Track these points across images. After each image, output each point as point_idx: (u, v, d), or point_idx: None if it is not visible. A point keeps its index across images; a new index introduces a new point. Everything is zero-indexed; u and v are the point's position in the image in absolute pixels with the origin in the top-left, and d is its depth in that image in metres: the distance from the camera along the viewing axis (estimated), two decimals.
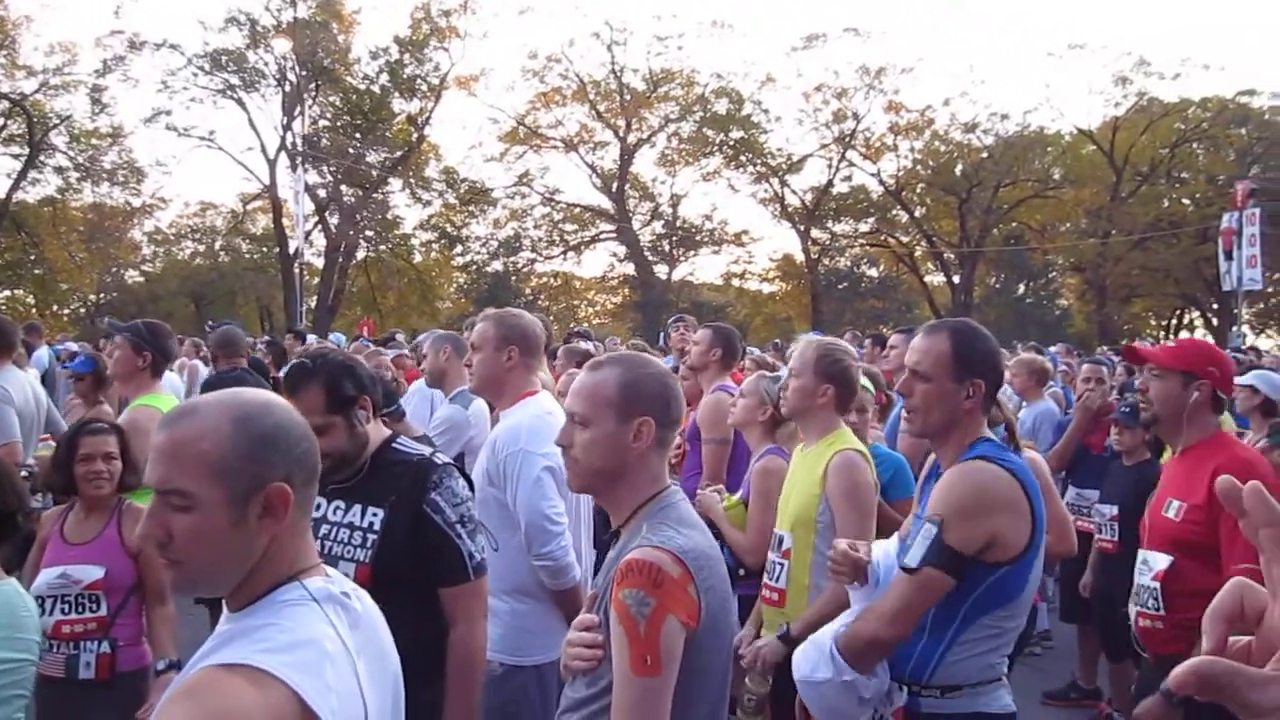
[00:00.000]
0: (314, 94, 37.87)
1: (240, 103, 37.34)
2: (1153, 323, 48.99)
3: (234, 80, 37.15)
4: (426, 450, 3.21)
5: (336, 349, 6.20)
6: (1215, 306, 42.18)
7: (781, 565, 3.81)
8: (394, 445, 3.15)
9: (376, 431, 3.14)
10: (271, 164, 37.44)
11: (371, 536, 2.99)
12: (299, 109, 36.34)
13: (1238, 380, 7.26)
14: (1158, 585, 3.62)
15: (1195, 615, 2.75)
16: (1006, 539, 2.71)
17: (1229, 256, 28.02)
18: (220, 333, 7.82)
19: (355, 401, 3.04)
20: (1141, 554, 3.83)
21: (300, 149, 35.85)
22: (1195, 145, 42.43)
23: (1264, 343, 37.21)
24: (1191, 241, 39.19)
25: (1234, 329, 29.92)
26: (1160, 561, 3.65)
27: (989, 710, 2.80)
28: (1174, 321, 48.69)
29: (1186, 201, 42.18)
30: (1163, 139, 41.29)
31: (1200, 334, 45.33)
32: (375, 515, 3.02)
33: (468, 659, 3.03)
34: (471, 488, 3.33)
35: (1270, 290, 41.94)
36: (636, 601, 2.09)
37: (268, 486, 1.63)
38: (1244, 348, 18.94)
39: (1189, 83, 53.62)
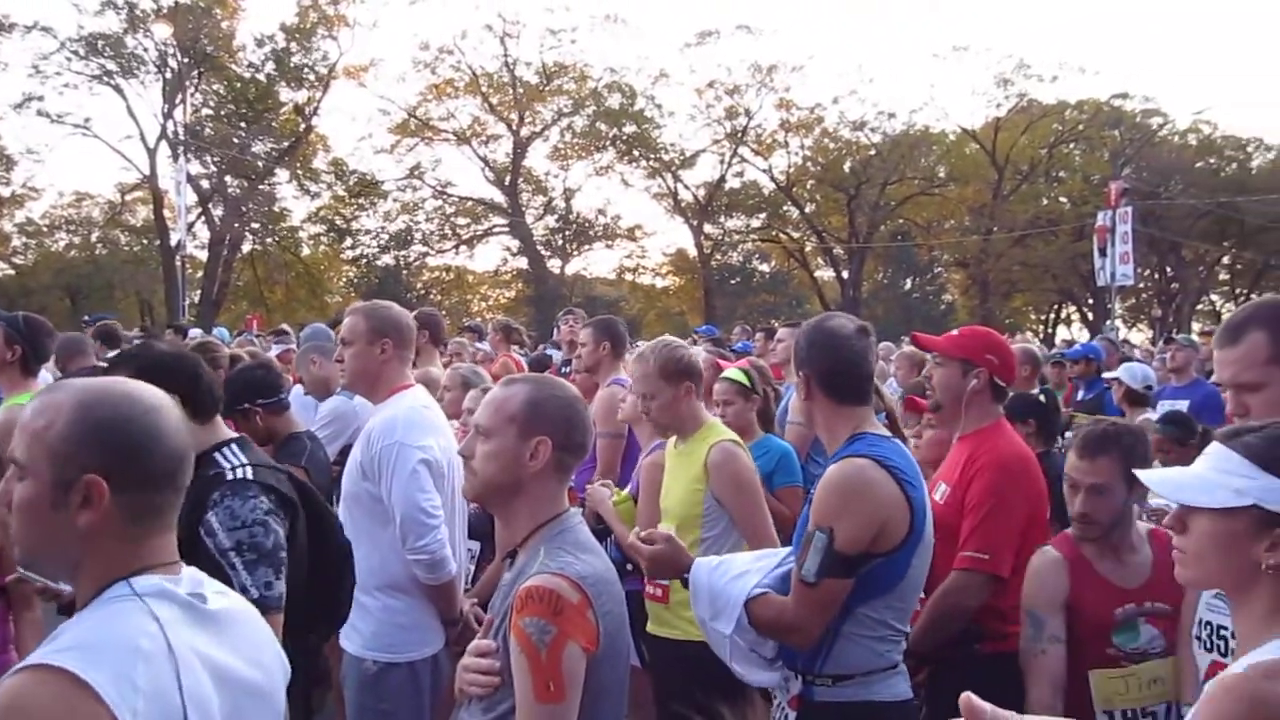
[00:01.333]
0: (196, 81, 36.79)
1: (118, 89, 36.02)
2: (1032, 317, 50.66)
3: (111, 66, 35.80)
4: (239, 462, 2.85)
5: (167, 341, 5.92)
6: (1090, 301, 43.81)
7: None
8: (215, 454, 2.85)
9: (208, 435, 2.88)
10: (151, 153, 36.25)
11: None
12: (180, 97, 35.27)
13: (1107, 375, 7.59)
14: None
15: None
16: (888, 531, 2.76)
17: (1103, 253, 29.05)
18: (63, 340, 7.35)
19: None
20: None
21: (182, 138, 34.73)
22: (1072, 146, 44.06)
23: (1135, 336, 38.70)
24: (1068, 239, 40.60)
25: (1107, 322, 31.09)
26: None
27: (880, 698, 2.84)
28: (1052, 315, 50.43)
29: (1064, 200, 43.69)
30: (1041, 139, 42.74)
31: (1076, 328, 47.02)
32: None
33: None
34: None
35: (1141, 286, 43.69)
36: (538, 630, 2.12)
37: (85, 476, 1.59)
38: (1118, 341, 19.66)
39: (1066, 85, 55.59)
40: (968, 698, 0.79)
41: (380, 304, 4.02)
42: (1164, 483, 1.92)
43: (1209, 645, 2.67)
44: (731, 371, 5.19)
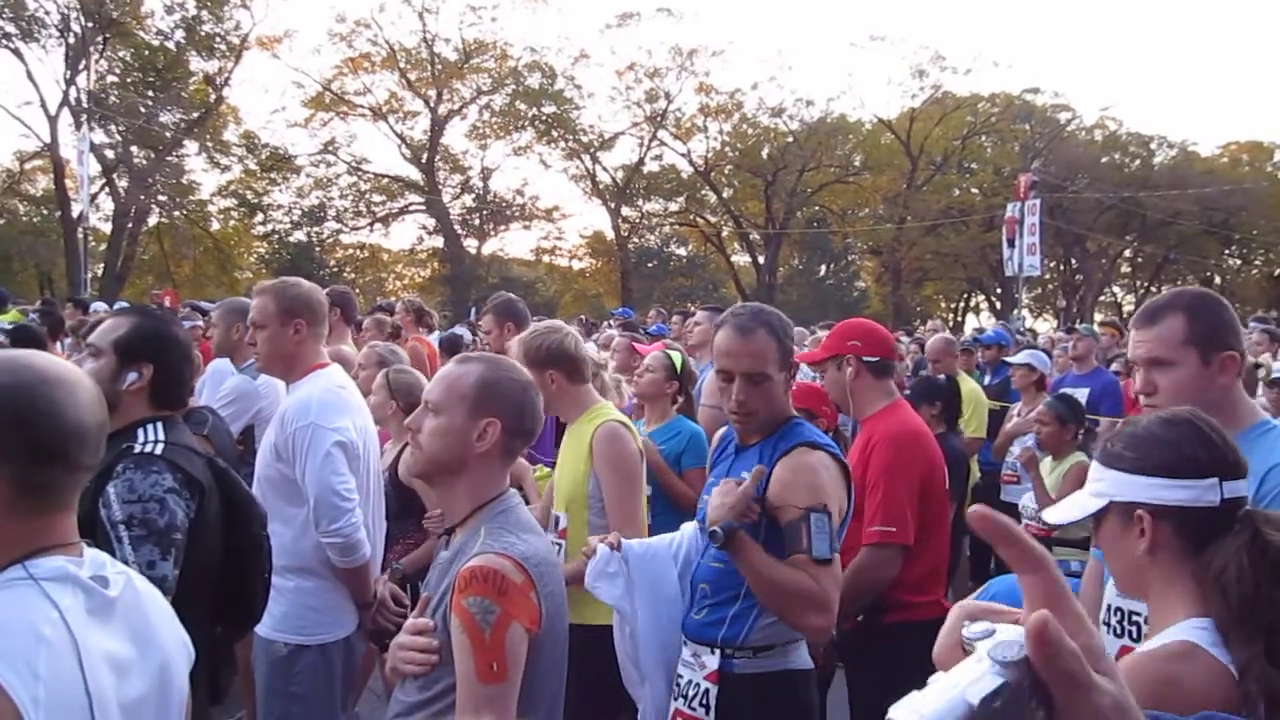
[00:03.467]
0: (101, 47, 35.54)
1: (17, 53, 34.57)
2: (942, 305, 51.66)
3: (9, 28, 34.44)
4: (153, 438, 2.79)
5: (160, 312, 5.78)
6: (999, 291, 44.88)
7: (559, 545, 3.77)
8: (139, 428, 2.80)
9: (140, 412, 2.85)
10: (53, 120, 34.90)
11: None
12: (84, 63, 34.02)
13: (1013, 360, 7.80)
14: None
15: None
16: (840, 508, 2.89)
17: (1011, 244, 29.75)
18: None
19: (137, 360, 2.84)
20: None
21: (85, 105, 33.58)
22: (984, 138, 44.96)
23: (1041, 325, 39.66)
24: (979, 229, 41.47)
25: (1014, 311, 31.85)
26: None
27: (794, 666, 2.94)
28: (962, 304, 51.48)
29: (975, 191, 44.61)
30: (955, 131, 43.55)
31: (985, 316, 48.09)
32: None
33: None
34: (245, 458, 3.02)
35: (1047, 277, 44.84)
36: (481, 609, 2.10)
37: None
38: (1023, 329, 20.15)
39: (980, 78, 56.84)
40: (1045, 618, 0.77)
41: (289, 282, 3.91)
42: (1049, 509, 2.05)
43: (1119, 631, 2.73)
44: (671, 352, 5.28)
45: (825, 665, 3.64)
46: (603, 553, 3.07)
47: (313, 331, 3.80)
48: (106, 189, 36.42)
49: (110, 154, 36.16)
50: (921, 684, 0.78)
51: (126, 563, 2.45)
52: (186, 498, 2.74)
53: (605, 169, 43.66)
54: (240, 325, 5.77)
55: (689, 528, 3.25)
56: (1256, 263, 49.75)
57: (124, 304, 17.23)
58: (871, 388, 3.88)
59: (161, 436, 2.81)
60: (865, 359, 3.87)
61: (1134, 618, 2.65)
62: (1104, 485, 1.88)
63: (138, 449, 2.73)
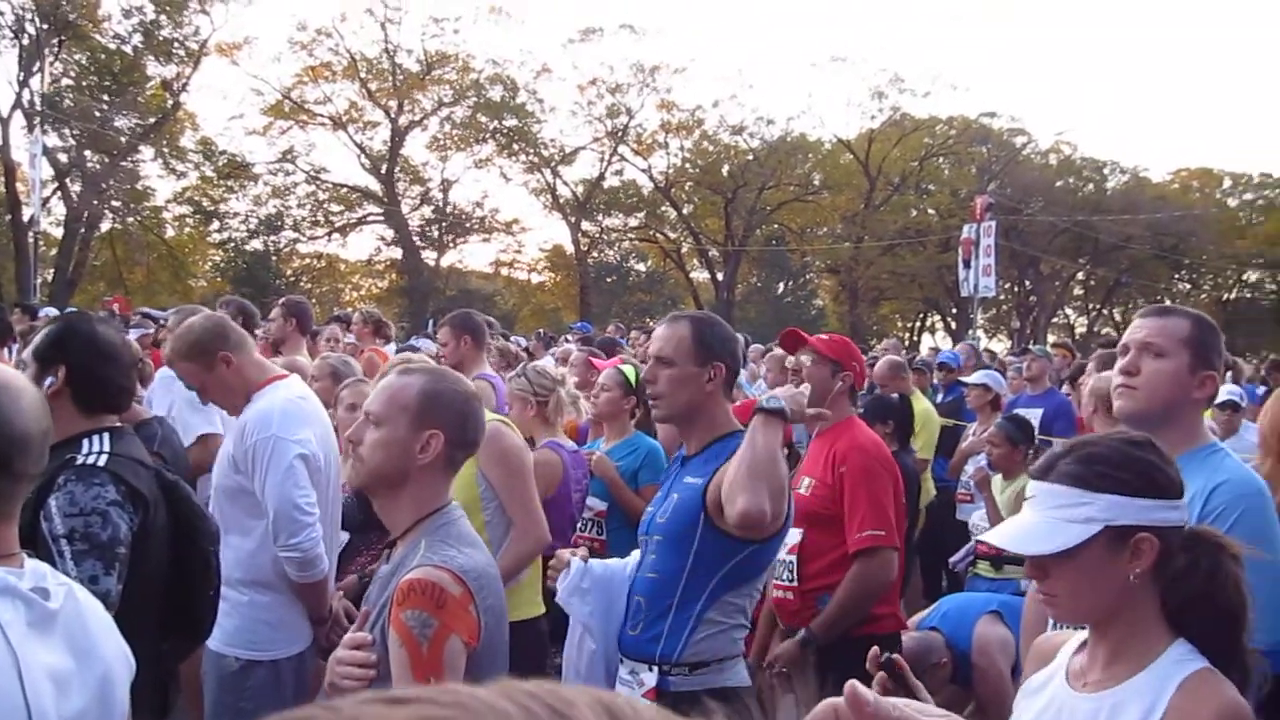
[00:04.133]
0: (56, 50, 35.03)
1: None
2: (899, 324, 52.06)
3: None
4: (98, 449, 2.73)
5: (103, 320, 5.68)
6: (955, 311, 45.28)
7: None
8: (82, 439, 2.75)
9: (89, 423, 2.80)
10: (4, 123, 34.29)
11: None
12: (38, 65, 33.53)
13: (969, 380, 7.89)
14: (793, 559, 3.84)
15: (821, 585, 2.98)
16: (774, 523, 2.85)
17: (967, 265, 30.02)
18: None
19: (53, 363, 2.77)
20: None
21: (39, 108, 33.11)
22: (941, 160, 45.46)
23: (996, 346, 40.10)
24: (935, 250, 41.84)
25: (970, 332, 32.15)
26: (794, 536, 3.85)
27: (731, 684, 2.93)
28: (918, 323, 51.93)
29: (932, 212, 44.98)
30: (913, 152, 43.97)
31: (940, 336, 48.51)
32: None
33: None
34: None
35: (1002, 298, 45.37)
36: (419, 623, 2.09)
37: None
38: (981, 350, 20.30)
39: (938, 101, 57.35)
40: (852, 686, 0.80)
41: (189, 323, 3.75)
42: (1013, 540, 1.90)
43: None
44: (625, 367, 5.30)
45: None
46: (577, 567, 3.05)
47: (241, 356, 3.68)
48: (59, 193, 35.86)
49: (63, 158, 35.61)
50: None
51: (69, 577, 2.43)
52: (130, 511, 2.67)
53: (566, 183, 43.64)
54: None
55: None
56: (1205, 287, 50.61)
57: (49, 309, 16.99)
58: (844, 404, 4.04)
59: (106, 448, 2.74)
60: (853, 384, 4.08)
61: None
62: (1094, 509, 1.79)
63: (80, 460, 2.66)
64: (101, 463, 2.69)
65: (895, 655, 1.65)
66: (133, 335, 8.89)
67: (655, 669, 2.90)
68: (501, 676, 1.88)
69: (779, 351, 8.44)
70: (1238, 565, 1.81)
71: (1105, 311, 52.36)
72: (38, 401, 1.66)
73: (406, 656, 2.08)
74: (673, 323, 3.06)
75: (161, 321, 9.03)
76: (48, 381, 2.74)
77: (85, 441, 2.73)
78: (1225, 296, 48.72)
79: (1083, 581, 1.82)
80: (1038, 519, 1.85)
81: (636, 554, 3.22)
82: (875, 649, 1.64)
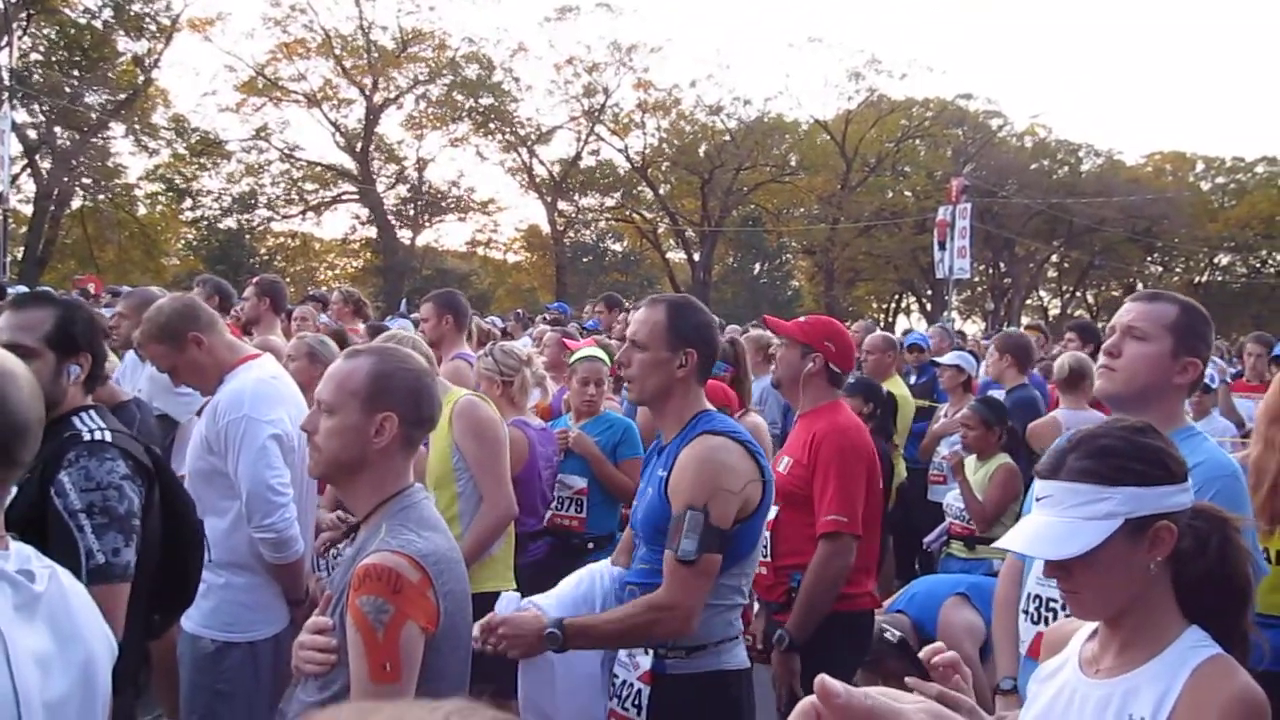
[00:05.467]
0: (25, 24, 34.55)
1: None
2: (874, 305, 52.26)
3: None
4: (97, 426, 2.77)
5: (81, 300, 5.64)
6: (929, 293, 45.50)
7: None
8: (75, 416, 2.77)
9: (73, 398, 2.83)
10: None
11: None
12: (6, 39, 33.05)
13: (942, 360, 7.92)
14: (768, 534, 3.85)
15: (792, 563, 3.00)
16: (748, 501, 2.87)
17: (942, 247, 30.12)
18: None
19: (76, 351, 2.79)
20: None
21: (8, 84, 32.64)
22: (917, 142, 45.54)
23: (970, 328, 40.33)
24: (910, 231, 41.99)
25: (944, 313, 32.31)
26: (770, 512, 3.91)
27: (729, 666, 2.94)
28: (893, 305, 52.17)
29: (908, 194, 45.17)
30: (889, 134, 44.05)
31: (915, 317, 48.78)
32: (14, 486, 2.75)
33: None
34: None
35: (976, 280, 45.59)
36: (374, 609, 2.07)
37: None
38: (952, 331, 20.41)
39: (915, 83, 57.50)
40: (821, 680, 0.80)
41: (158, 304, 3.72)
42: (1034, 544, 1.87)
43: (1036, 618, 2.80)
44: (593, 349, 5.28)
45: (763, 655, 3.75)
46: (510, 598, 2.97)
47: (212, 336, 3.65)
48: (28, 170, 35.43)
49: (33, 134, 35.16)
50: (849, 672, 0.81)
51: (91, 551, 2.49)
52: (138, 484, 2.73)
53: (542, 162, 43.53)
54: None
55: (599, 568, 3.26)
56: (1177, 270, 51.01)
57: (19, 287, 16.81)
58: (823, 387, 4.02)
59: (103, 424, 2.78)
60: (830, 364, 4.00)
61: (1051, 604, 2.73)
62: (1113, 504, 1.76)
63: (86, 436, 2.69)
64: (109, 438, 2.73)
65: (903, 635, 1.64)
66: (108, 314, 8.81)
67: (651, 652, 2.89)
68: (464, 659, 1.88)
69: (756, 332, 8.48)
70: (1242, 538, 1.85)
71: (1079, 294, 52.73)
72: (36, 389, 1.66)
73: (362, 642, 2.07)
74: (650, 306, 3.06)
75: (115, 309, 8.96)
76: (74, 371, 2.76)
77: (77, 419, 2.75)
78: (1196, 279, 49.09)
79: (1106, 577, 1.80)
80: (1055, 520, 1.82)
81: (584, 573, 3.23)
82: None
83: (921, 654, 1.85)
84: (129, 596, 2.61)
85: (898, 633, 2.31)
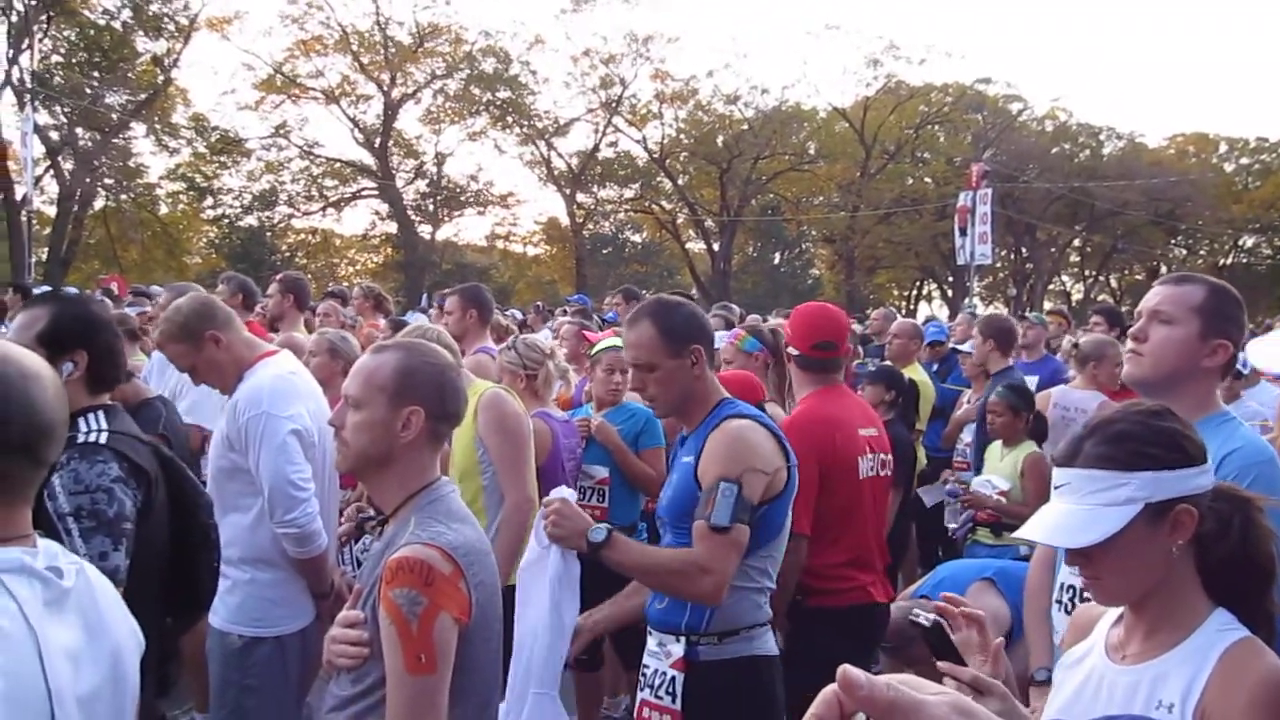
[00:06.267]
0: (46, 26, 34.76)
1: None
2: (895, 293, 52.07)
3: None
4: (96, 427, 2.75)
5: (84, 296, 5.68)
6: (950, 279, 45.29)
7: None
8: (80, 417, 2.74)
9: (83, 401, 2.80)
10: None
11: None
12: (27, 42, 33.25)
13: (964, 347, 7.88)
14: None
15: None
16: (775, 483, 2.88)
17: (963, 233, 30.01)
18: None
19: (68, 349, 2.76)
20: None
21: (29, 86, 32.85)
22: (937, 128, 45.28)
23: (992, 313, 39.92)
24: (931, 218, 41.78)
25: (966, 300, 32.14)
26: None
27: (761, 653, 2.93)
28: (914, 292, 51.95)
29: (928, 180, 44.90)
30: (908, 120, 43.81)
31: (937, 304, 48.56)
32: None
33: None
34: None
35: (998, 265, 45.34)
36: (408, 601, 2.08)
37: None
38: (975, 316, 20.27)
39: (933, 68, 57.15)
40: (844, 669, 0.79)
41: (176, 304, 3.72)
42: (1054, 533, 1.85)
43: (1070, 609, 2.77)
44: (614, 340, 5.27)
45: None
46: (566, 490, 2.99)
47: (230, 334, 3.66)
48: (51, 172, 35.70)
49: (55, 136, 35.43)
50: (833, 665, 0.81)
51: (78, 555, 2.44)
52: (134, 487, 2.70)
53: (560, 155, 43.55)
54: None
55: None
56: (1201, 253, 50.59)
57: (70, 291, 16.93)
58: (800, 379, 4.01)
59: (104, 425, 2.77)
60: (793, 352, 4.01)
61: (1085, 596, 2.69)
62: (1132, 489, 1.74)
63: (81, 439, 2.68)
64: (103, 440, 2.71)
65: (939, 619, 1.63)
66: (134, 313, 8.88)
67: (683, 640, 2.89)
68: (495, 651, 1.88)
69: (775, 321, 8.47)
70: (1265, 518, 1.83)
71: (1101, 278, 52.36)
72: (61, 390, 1.66)
73: (396, 634, 2.08)
74: (633, 326, 3.02)
75: (156, 300, 9.01)
76: (66, 368, 2.74)
77: (82, 420, 2.75)
78: (1221, 262, 48.68)
79: (1128, 563, 1.78)
80: (1074, 507, 1.81)
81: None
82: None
83: (937, 604, 1.81)
84: (136, 597, 2.61)
85: (931, 616, 2.27)
